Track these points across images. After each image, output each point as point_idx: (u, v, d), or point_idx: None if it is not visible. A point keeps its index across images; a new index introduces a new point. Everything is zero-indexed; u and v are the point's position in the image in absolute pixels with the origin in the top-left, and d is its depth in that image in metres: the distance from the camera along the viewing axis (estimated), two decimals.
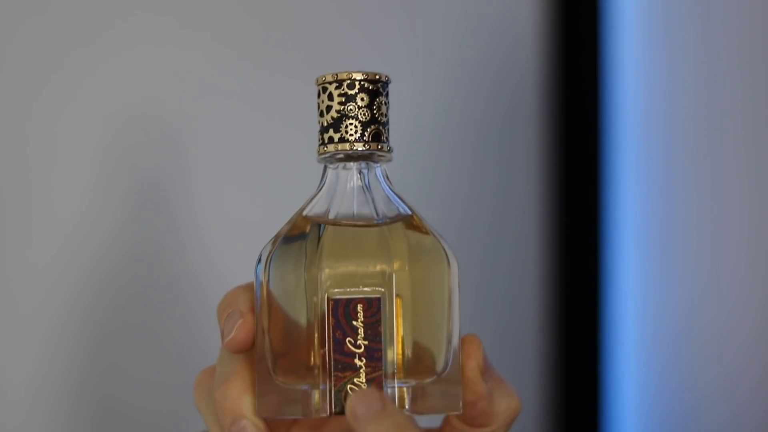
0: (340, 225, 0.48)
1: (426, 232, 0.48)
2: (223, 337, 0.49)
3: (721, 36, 0.90)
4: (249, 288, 0.50)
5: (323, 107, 0.49)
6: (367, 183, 0.49)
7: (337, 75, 0.48)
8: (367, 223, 0.48)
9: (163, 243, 0.75)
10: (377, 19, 0.84)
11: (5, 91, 0.71)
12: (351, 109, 0.48)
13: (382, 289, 0.46)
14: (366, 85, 0.48)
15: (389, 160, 0.50)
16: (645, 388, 0.93)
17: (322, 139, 0.49)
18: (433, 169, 0.86)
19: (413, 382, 0.46)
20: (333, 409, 0.45)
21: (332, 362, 0.45)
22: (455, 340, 0.48)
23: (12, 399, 0.71)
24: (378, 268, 0.46)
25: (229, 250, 0.76)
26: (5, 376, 0.71)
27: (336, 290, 0.46)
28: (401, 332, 0.46)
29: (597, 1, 0.93)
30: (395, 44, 0.84)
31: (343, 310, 0.45)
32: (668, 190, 0.93)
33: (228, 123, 0.78)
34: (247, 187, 0.79)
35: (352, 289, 0.46)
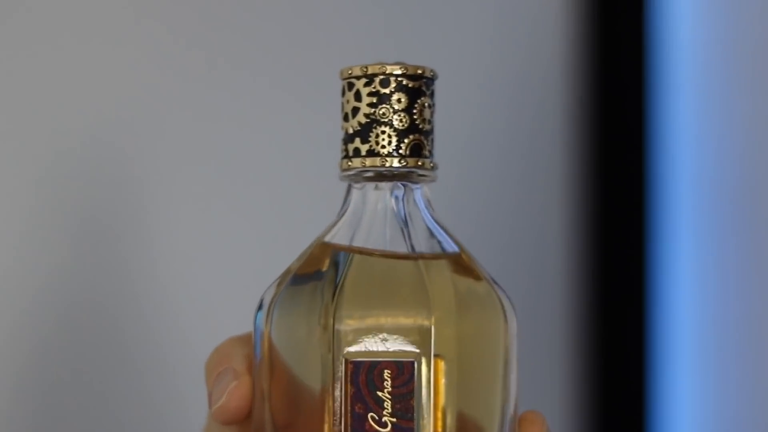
0: (367, 255, 0.43)
1: (478, 277, 0.42)
2: (211, 403, 0.44)
3: None
4: (247, 340, 0.44)
5: (348, 109, 0.43)
6: (402, 209, 0.43)
7: (367, 68, 0.42)
8: (401, 255, 0.43)
9: (115, 301, 0.69)
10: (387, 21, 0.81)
11: None
12: (384, 113, 0.42)
13: (418, 350, 0.40)
14: (404, 82, 0.42)
15: (433, 180, 0.44)
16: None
17: (346, 150, 0.43)
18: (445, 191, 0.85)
19: None
20: None
21: None
22: (510, 412, 0.43)
23: None
24: (413, 321, 0.40)
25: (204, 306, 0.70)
26: None
27: (357, 349, 0.40)
28: (441, 403, 0.40)
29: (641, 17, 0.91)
30: (403, 51, 0.81)
31: (365, 376, 0.40)
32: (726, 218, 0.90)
33: (197, 144, 0.72)
34: (224, 221, 0.72)
35: (379, 350, 0.40)
